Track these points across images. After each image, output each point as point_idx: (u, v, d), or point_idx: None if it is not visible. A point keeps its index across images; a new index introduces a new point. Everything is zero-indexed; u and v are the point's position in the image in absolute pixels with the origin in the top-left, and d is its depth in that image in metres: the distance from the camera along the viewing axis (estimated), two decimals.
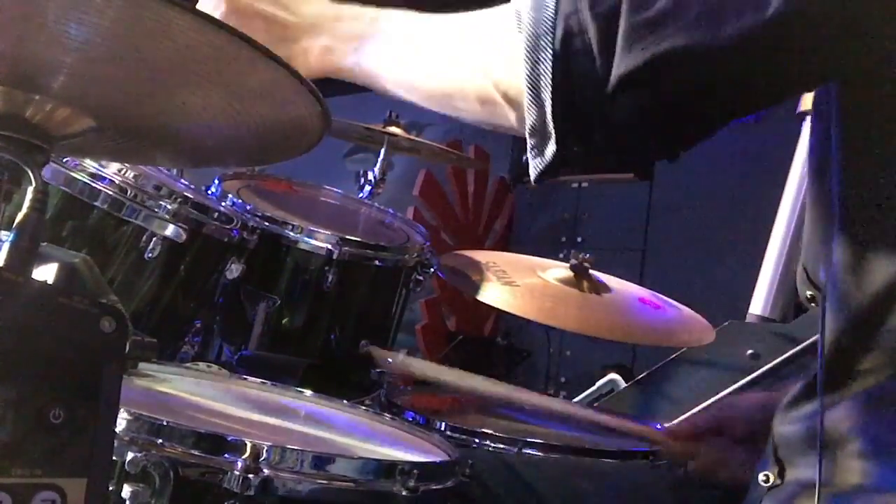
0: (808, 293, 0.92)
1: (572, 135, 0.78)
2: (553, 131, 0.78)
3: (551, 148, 0.79)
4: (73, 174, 1.37)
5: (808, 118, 2.00)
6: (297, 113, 0.70)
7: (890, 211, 0.80)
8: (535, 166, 0.81)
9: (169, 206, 1.42)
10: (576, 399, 2.70)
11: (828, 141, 0.83)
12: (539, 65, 0.76)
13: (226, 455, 0.86)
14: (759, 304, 2.66)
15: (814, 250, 0.90)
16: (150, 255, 1.41)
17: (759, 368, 2.15)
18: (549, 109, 0.77)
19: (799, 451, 0.89)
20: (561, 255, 1.70)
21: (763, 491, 0.92)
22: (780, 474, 0.90)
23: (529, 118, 0.79)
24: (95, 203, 1.39)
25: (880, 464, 0.81)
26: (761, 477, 0.92)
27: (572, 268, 1.59)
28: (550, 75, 0.76)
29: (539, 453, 1.35)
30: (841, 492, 0.82)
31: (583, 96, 0.76)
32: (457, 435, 1.36)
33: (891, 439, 0.81)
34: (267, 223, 1.65)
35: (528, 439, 1.37)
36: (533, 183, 0.84)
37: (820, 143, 0.86)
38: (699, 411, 1.49)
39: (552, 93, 0.76)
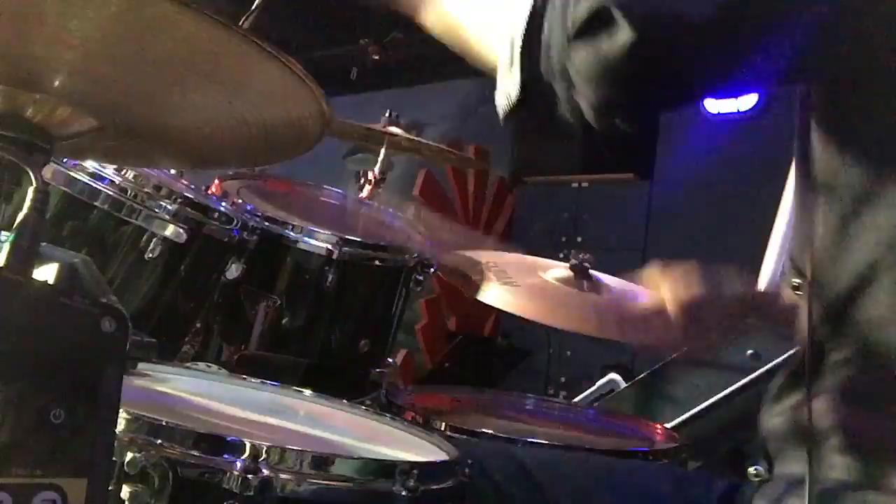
0: (795, 282, 0.92)
1: (536, 65, 0.78)
2: (520, 63, 0.79)
3: (516, 78, 0.79)
4: (73, 174, 1.37)
5: None
6: (297, 113, 0.70)
7: (862, 203, 0.80)
8: (500, 97, 0.82)
9: (169, 206, 1.42)
10: (576, 399, 2.71)
11: (809, 130, 0.84)
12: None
13: (225, 455, 0.86)
14: None
15: (800, 239, 0.91)
16: (150, 255, 1.41)
17: (759, 368, 2.15)
18: (518, 43, 0.78)
19: (785, 446, 0.89)
20: (561, 255, 1.70)
21: (753, 486, 0.92)
22: (769, 469, 0.91)
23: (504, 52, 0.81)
24: (95, 203, 1.39)
25: (860, 459, 0.81)
26: (751, 472, 0.92)
27: (572, 268, 1.58)
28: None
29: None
30: (825, 487, 0.82)
31: (550, 33, 0.77)
32: (457, 435, 1.36)
33: (868, 434, 0.81)
34: (267, 223, 1.65)
35: (529, 439, 1.37)
36: (501, 119, 0.83)
37: (804, 133, 0.87)
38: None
39: (526, 23, 0.78)
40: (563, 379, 4.27)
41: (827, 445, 0.82)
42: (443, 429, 1.37)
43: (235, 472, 0.84)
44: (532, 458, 1.11)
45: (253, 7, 1.67)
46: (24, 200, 0.66)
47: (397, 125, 2.34)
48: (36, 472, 0.58)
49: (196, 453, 0.86)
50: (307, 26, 5.11)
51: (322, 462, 0.89)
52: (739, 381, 2.16)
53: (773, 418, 0.91)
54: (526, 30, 0.78)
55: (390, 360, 1.85)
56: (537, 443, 1.37)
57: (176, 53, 0.62)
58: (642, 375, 2.51)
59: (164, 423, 0.87)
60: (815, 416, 0.83)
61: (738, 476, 1.05)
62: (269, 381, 1.28)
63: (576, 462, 1.16)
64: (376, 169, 2.19)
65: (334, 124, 1.24)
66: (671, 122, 4.44)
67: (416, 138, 2.41)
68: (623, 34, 0.71)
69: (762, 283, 2.49)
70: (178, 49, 0.61)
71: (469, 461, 1.00)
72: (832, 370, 0.83)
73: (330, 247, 1.65)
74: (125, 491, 0.82)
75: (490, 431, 1.39)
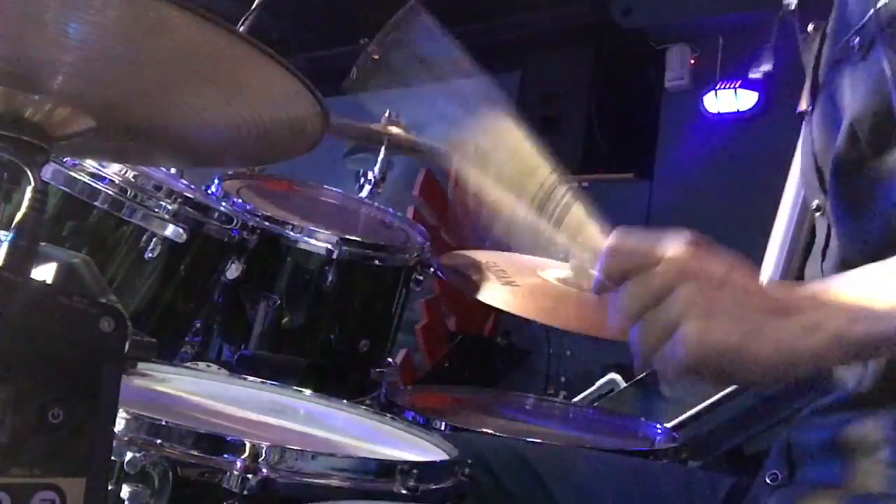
0: None
1: None
2: None
3: None
4: (73, 174, 1.37)
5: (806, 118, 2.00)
6: (297, 113, 0.70)
7: None
8: None
9: (169, 206, 1.42)
10: (575, 399, 2.70)
11: None
12: None
13: (225, 455, 0.86)
14: None
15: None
16: (150, 255, 1.41)
17: None
18: None
19: (817, 455, 0.90)
20: (561, 255, 1.70)
21: (769, 489, 0.92)
22: (790, 475, 0.91)
23: None
24: (95, 203, 1.39)
25: None
26: (768, 476, 0.92)
27: (572, 268, 1.58)
28: None
29: None
30: (859, 495, 0.83)
31: None
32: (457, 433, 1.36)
33: None
34: (267, 223, 1.65)
35: (529, 439, 1.37)
36: None
37: None
38: None
39: None
40: (563, 379, 4.26)
41: (870, 458, 0.84)
42: (443, 429, 1.38)
43: (235, 472, 0.84)
44: (534, 452, 1.11)
45: (253, 7, 1.67)
46: (23, 200, 0.66)
47: (397, 125, 2.33)
48: (34, 471, 0.58)
49: (196, 453, 0.86)
50: (307, 26, 5.11)
51: (322, 462, 0.89)
52: None
53: (811, 432, 0.92)
54: None
55: (390, 360, 1.85)
56: (537, 442, 1.37)
57: (174, 55, 0.62)
58: (642, 375, 2.51)
59: (164, 423, 0.87)
60: (866, 432, 0.85)
61: (737, 475, 1.05)
62: (269, 381, 1.28)
63: (578, 457, 1.16)
64: (376, 169, 2.18)
65: (334, 124, 1.24)
66: (671, 122, 4.44)
67: (416, 138, 2.40)
68: None
69: None
70: (177, 51, 0.61)
71: (468, 461, 1.00)
72: None
73: (330, 247, 1.65)
74: (125, 491, 0.82)
75: (490, 431, 1.40)
